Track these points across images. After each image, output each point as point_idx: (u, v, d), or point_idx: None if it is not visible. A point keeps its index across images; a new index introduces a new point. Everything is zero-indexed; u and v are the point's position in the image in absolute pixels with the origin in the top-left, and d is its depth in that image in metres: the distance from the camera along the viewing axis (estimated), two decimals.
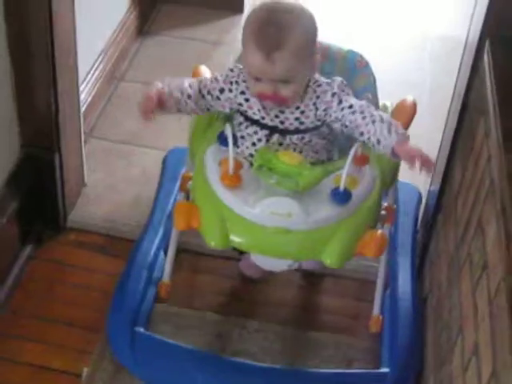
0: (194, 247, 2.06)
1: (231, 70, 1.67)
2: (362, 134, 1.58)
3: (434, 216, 1.99)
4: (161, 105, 1.61)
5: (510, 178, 1.28)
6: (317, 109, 1.63)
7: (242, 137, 1.68)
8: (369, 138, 1.57)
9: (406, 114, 1.78)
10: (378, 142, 1.56)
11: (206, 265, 2.08)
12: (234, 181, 1.59)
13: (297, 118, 1.63)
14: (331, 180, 1.60)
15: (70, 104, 2.09)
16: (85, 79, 2.45)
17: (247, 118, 1.66)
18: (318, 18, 1.61)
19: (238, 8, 3.14)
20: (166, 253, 1.96)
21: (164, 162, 2.27)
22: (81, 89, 2.23)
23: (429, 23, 3.26)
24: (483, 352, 1.29)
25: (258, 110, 1.64)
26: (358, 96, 1.68)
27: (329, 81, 1.64)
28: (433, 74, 2.94)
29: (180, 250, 1.99)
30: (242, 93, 1.65)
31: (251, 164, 1.62)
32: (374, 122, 1.57)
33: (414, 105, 1.81)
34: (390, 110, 1.83)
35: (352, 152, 1.57)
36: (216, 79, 1.67)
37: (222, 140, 1.66)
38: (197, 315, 1.95)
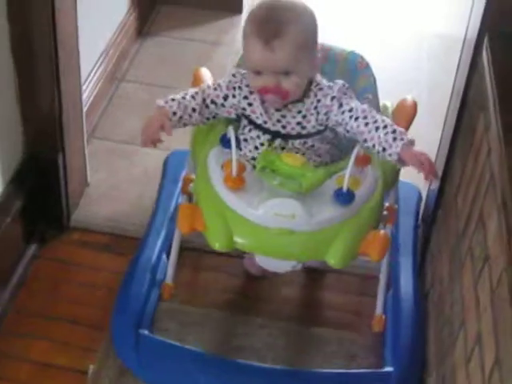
0: (198, 245, 2.07)
1: (233, 76, 1.68)
2: (365, 140, 1.59)
3: (435, 212, 2.00)
4: (164, 128, 1.61)
5: (510, 171, 1.30)
6: (318, 113, 1.64)
7: (245, 140, 1.69)
8: (373, 146, 1.58)
9: (406, 114, 1.79)
10: (384, 149, 1.56)
11: (209, 262, 2.09)
12: (237, 183, 1.59)
13: (298, 123, 1.64)
14: (334, 181, 1.60)
15: (73, 104, 2.11)
16: (86, 80, 2.46)
17: (251, 122, 1.68)
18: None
19: (236, 9, 3.16)
20: (168, 255, 1.98)
21: (165, 164, 2.27)
22: (82, 89, 2.24)
23: (426, 22, 3.27)
24: (486, 341, 1.31)
25: (261, 115, 1.65)
26: (358, 97, 1.69)
27: (331, 84, 1.65)
28: (431, 72, 2.96)
29: (183, 248, 2.00)
30: (245, 97, 1.67)
31: (254, 167, 1.63)
32: (377, 128, 1.57)
33: (415, 105, 1.82)
34: (390, 110, 1.84)
35: (354, 153, 1.57)
36: (219, 86, 1.68)
37: (225, 142, 1.67)
38: (201, 312, 1.96)
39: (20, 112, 1.98)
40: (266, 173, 1.57)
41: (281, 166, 1.56)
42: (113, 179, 2.36)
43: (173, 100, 1.65)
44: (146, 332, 1.83)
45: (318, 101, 1.63)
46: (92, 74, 2.54)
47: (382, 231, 1.66)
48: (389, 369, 1.80)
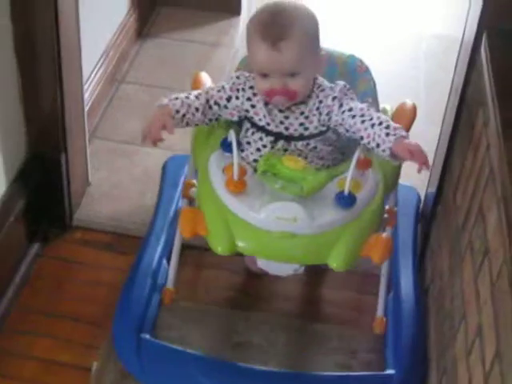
0: (199, 244, 2.07)
1: (237, 78, 1.69)
2: (362, 138, 1.60)
3: (434, 208, 2.02)
4: (166, 127, 1.61)
5: (509, 164, 1.31)
6: (320, 113, 1.65)
7: (248, 142, 1.71)
8: (369, 143, 1.59)
9: (405, 117, 1.79)
10: (378, 145, 1.57)
11: (210, 260, 2.10)
12: (238, 187, 1.60)
13: (301, 124, 1.66)
14: (335, 184, 1.61)
15: (75, 104, 2.12)
16: (87, 81, 2.47)
17: (253, 125, 1.69)
18: None
19: (235, 10, 3.19)
20: (168, 259, 1.98)
21: (164, 168, 2.28)
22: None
23: (423, 23, 3.29)
24: (486, 334, 1.32)
25: (264, 116, 1.66)
26: (358, 101, 1.69)
27: (332, 85, 1.66)
28: (429, 72, 2.98)
29: (185, 247, 2.01)
30: (249, 99, 1.68)
31: (255, 169, 1.63)
32: (373, 125, 1.58)
33: (414, 108, 1.83)
34: (389, 113, 1.85)
35: (356, 156, 1.58)
36: (223, 88, 1.69)
37: (226, 146, 1.67)
38: (203, 309, 1.98)
39: (23, 112, 2.00)
40: (268, 176, 1.58)
41: (282, 169, 1.56)
42: (114, 179, 2.38)
43: (176, 99, 1.66)
44: (147, 336, 1.83)
45: (320, 101, 1.65)
46: (92, 76, 2.56)
47: (384, 234, 1.67)
48: (390, 371, 1.80)
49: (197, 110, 1.66)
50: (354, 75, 1.83)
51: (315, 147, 1.67)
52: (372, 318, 1.94)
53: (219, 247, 1.59)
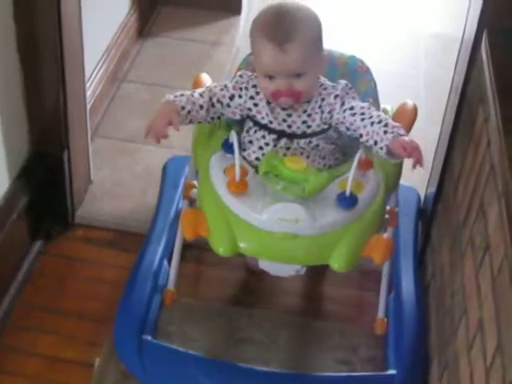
0: (200, 243, 2.08)
1: (240, 77, 1.70)
2: (361, 135, 1.61)
3: (435, 204, 2.03)
4: (173, 123, 1.62)
5: (510, 160, 1.32)
6: (322, 111, 1.66)
7: (250, 141, 1.71)
8: (367, 140, 1.60)
9: (406, 117, 1.80)
10: (375, 143, 1.58)
11: (212, 258, 2.06)
12: (240, 187, 1.60)
13: (304, 122, 1.66)
14: (336, 185, 1.61)
15: (78, 103, 2.13)
16: (88, 80, 2.48)
17: (256, 123, 1.70)
18: None
19: (235, 9, 3.20)
20: (169, 260, 1.98)
21: (164, 169, 2.28)
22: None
23: (422, 22, 3.30)
24: (488, 328, 1.33)
25: (266, 115, 1.67)
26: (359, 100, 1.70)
27: (334, 84, 1.68)
28: (428, 71, 2.99)
29: (186, 246, 2.02)
30: (251, 98, 1.68)
31: (257, 168, 1.64)
32: (372, 123, 1.59)
33: (415, 109, 1.84)
34: (390, 114, 1.85)
35: (357, 156, 1.59)
36: (226, 87, 1.70)
37: (227, 147, 1.68)
38: (204, 305, 1.99)
39: (26, 111, 2.01)
40: (270, 177, 1.58)
41: (284, 170, 1.56)
42: (116, 176, 2.39)
43: (182, 95, 1.67)
44: (149, 337, 1.84)
45: (323, 99, 1.66)
46: (94, 74, 2.57)
47: (385, 235, 1.67)
48: (392, 371, 1.81)
49: (201, 107, 1.67)
50: (355, 76, 1.84)
51: (317, 145, 1.68)
52: (373, 317, 1.95)
53: (221, 248, 1.59)
